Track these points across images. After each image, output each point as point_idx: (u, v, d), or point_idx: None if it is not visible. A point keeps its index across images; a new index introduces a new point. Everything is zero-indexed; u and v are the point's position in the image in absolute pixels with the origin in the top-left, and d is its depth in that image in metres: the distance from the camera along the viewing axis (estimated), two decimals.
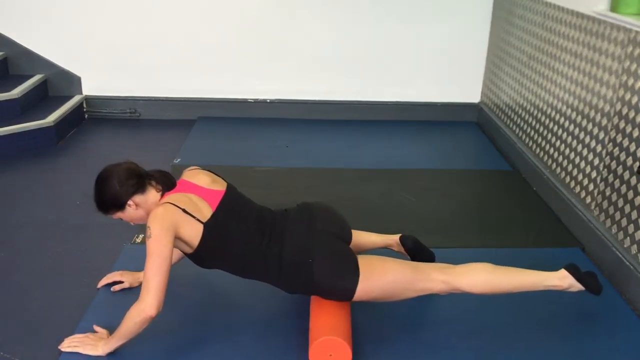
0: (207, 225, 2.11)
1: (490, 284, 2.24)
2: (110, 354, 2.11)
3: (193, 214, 2.09)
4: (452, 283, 2.21)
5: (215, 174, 2.32)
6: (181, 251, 2.21)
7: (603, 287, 2.37)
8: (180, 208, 2.08)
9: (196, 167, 2.35)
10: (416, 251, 2.54)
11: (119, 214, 2.19)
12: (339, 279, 2.15)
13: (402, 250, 2.58)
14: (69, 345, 2.15)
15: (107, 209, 2.18)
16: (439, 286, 2.21)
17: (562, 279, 2.30)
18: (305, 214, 2.29)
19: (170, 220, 2.04)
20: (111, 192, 2.13)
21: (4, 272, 2.68)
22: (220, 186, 2.25)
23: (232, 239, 2.16)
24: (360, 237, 2.56)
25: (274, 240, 2.18)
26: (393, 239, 2.60)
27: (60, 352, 2.13)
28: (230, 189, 2.27)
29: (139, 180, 2.15)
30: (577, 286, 2.31)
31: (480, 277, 2.23)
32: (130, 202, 2.14)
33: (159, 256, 2.00)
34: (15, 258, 2.79)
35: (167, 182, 2.20)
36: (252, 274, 2.24)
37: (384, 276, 2.17)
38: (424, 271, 2.22)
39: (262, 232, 2.19)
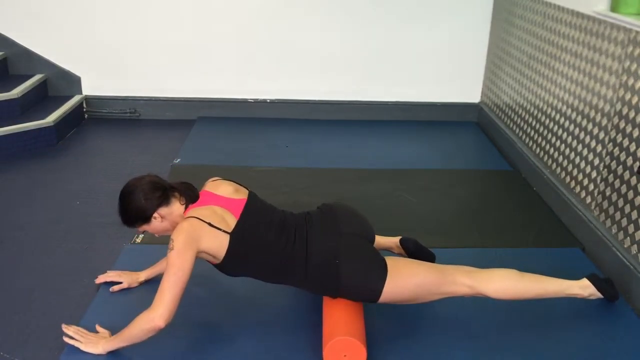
0: (232, 235, 2.12)
1: (515, 291, 2.27)
2: (110, 353, 2.11)
3: (218, 227, 2.11)
4: (478, 288, 2.22)
5: (238, 183, 2.33)
6: (208, 262, 2.22)
7: (619, 301, 2.44)
8: (205, 222, 2.09)
9: (218, 178, 2.35)
10: (416, 253, 2.55)
11: (144, 227, 2.22)
12: (366, 280, 2.15)
13: (402, 252, 2.58)
14: (73, 335, 2.16)
15: (133, 223, 2.21)
16: (463, 290, 2.22)
17: (583, 288, 2.36)
18: (328, 216, 2.30)
19: (195, 235, 2.06)
20: (137, 206, 2.15)
21: (4, 272, 2.68)
22: (242, 195, 2.26)
23: (258, 246, 2.17)
24: None
25: (299, 244, 2.18)
26: (393, 241, 2.60)
27: (60, 353, 2.14)
28: (251, 196, 2.28)
29: (163, 192, 2.17)
30: (596, 295, 2.38)
31: (506, 284, 2.25)
32: (156, 214, 2.17)
33: (179, 270, 2.02)
34: (15, 258, 2.79)
35: (191, 194, 2.22)
36: (279, 278, 2.24)
37: (410, 278, 2.17)
38: (451, 274, 2.22)
39: (286, 236, 2.19)
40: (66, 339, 2.16)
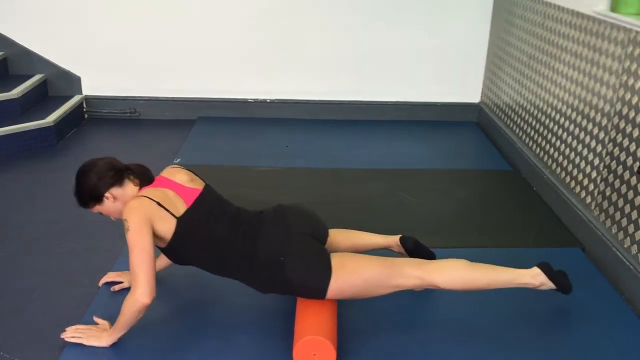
0: (180, 220, 2.13)
1: (465, 280, 2.26)
2: (115, 345, 2.14)
3: (167, 208, 2.12)
4: (427, 279, 2.22)
5: (195, 174, 2.34)
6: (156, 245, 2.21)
7: (572, 286, 2.40)
8: (154, 201, 2.11)
9: (177, 166, 2.38)
10: (416, 252, 2.55)
11: (98, 207, 2.23)
12: (311, 277, 2.16)
13: (402, 251, 2.58)
14: (72, 335, 2.18)
15: (86, 202, 2.23)
16: (413, 282, 2.22)
17: (534, 277, 2.33)
18: (279, 215, 2.31)
19: (145, 212, 2.08)
20: (89, 185, 2.18)
21: (4, 272, 2.69)
22: (197, 185, 2.27)
23: (205, 237, 2.17)
24: (360, 238, 2.57)
25: (248, 239, 2.19)
26: (393, 240, 2.60)
27: (60, 352, 2.14)
28: (207, 188, 2.29)
29: (116, 173, 2.20)
30: (548, 284, 2.34)
31: (455, 274, 2.25)
32: (108, 194, 2.18)
33: (141, 248, 2.03)
34: (15, 258, 2.79)
35: (145, 177, 2.24)
36: (224, 271, 2.25)
37: (356, 273, 2.17)
38: (399, 266, 2.23)
39: (236, 231, 2.20)
40: (68, 339, 2.18)
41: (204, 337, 2.25)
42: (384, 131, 4.54)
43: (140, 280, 2.02)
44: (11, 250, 2.85)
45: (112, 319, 2.19)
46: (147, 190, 2.18)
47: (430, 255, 2.56)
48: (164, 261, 2.51)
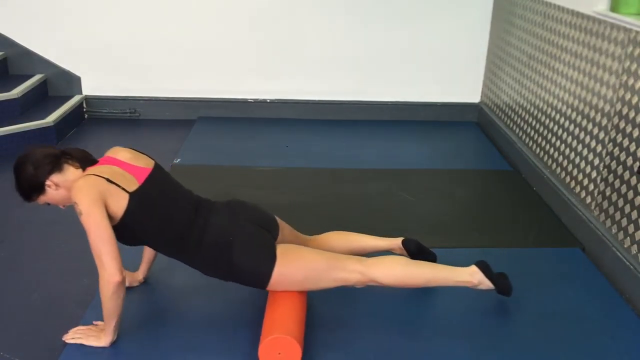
0: (132, 195, 2.09)
1: (404, 275, 2.28)
2: (115, 345, 2.15)
3: (117, 183, 2.08)
4: (367, 274, 2.23)
5: (140, 152, 2.29)
6: None
7: (513, 288, 2.41)
8: (103, 177, 2.07)
9: (119, 147, 2.30)
10: (419, 254, 2.55)
11: (42, 198, 2.18)
12: (256, 263, 2.17)
13: (405, 253, 2.58)
14: (72, 337, 2.18)
15: (29, 195, 2.17)
16: (355, 276, 2.23)
17: (471, 275, 2.34)
18: (231, 203, 2.32)
19: (95, 190, 2.03)
20: (28, 176, 2.12)
21: (4, 271, 2.68)
22: (146, 163, 2.23)
23: (157, 213, 2.15)
24: (360, 241, 2.57)
25: (198, 220, 2.19)
26: (395, 243, 2.60)
27: (60, 352, 2.14)
28: (158, 167, 2.26)
29: (54, 159, 2.14)
30: (486, 283, 2.35)
31: (395, 269, 2.27)
32: (48, 182, 2.13)
33: (98, 229, 2.00)
34: (16, 258, 2.79)
35: (86, 159, 2.19)
36: (172, 250, 2.22)
37: (299, 263, 2.19)
38: (341, 261, 2.25)
39: (187, 210, 2.20)
40: (69, 340, 2.18)
41: (203, 337, 2.25)
42: (384, 131, 4.54)
43: (104, 261, 2.00)
44: (11, 250, 2.85)
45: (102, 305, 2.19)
46: (93, 169, 2.13)
47: (432, 257, 2.56)
48: (148, 255, 2.50)
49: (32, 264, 2.74)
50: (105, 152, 2.29)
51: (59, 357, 2.12)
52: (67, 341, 2.17)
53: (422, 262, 2.37)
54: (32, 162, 2.12)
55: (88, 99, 4.66)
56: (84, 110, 4.67)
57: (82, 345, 2.16)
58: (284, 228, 2.42)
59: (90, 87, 4.65)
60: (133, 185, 2.11)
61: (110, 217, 2.07)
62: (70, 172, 2.15)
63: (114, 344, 2.16)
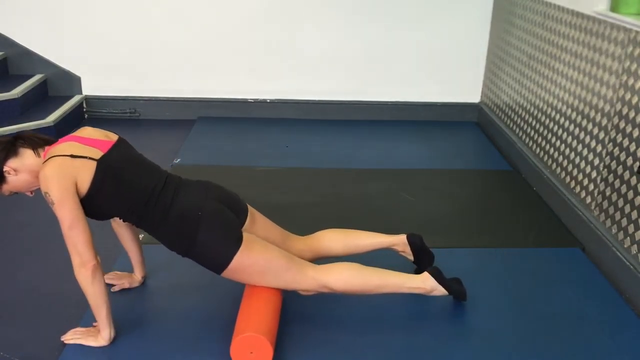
0: (99, 162, 2.06)
1: (354, 281, 2.26)
2: (115, 345, 2.15)
3: (82, 155, 2.05)
4: (320, 279, 2.23)
5: (106, 131, 2.26)
6: None
7: (467, 292, 2.41)
8: (66, 155, 2.04)
9: (86, 127, 2.28)
10: (422, 251, 2.55)
11: (6, 187, 2.16)
12: (221, 243, 2.14)
13: (408, 250, 2.57)
14: (72, 337, 2.18)
15: None
16: (308, 281, 2.23)
17: (424, 281, 2.33)
18: (202, 182, 2.30)
19: (63, 175, 2.00)
20: None
21: (4, 272, 2.69)
22: (108, 137, 2.20)
23: (124, 181, 2.11)
24: (360, 238, 2.57)
25: (166, 190, 2.17)
26: (399, 239, 2.59)
27: (60, 353, 2.14)
28: (122, 140, 2.24)
29: (6, 145, 2.11)
30: (440, 290, 2.35)
31: (345, 274, 2.26)
32: (6, 168, 2.11)
33: (71, 219, 1.99)
34: (16, 258, 2.79)
35: (42, 140, 2.16)
36: (139, 219, 2.18)
37: (261, 255, 2.18)
38: (299, 264, 2.25)
39: (154, 179, 2.17)
40: (68, 341, 2.19)
41: (204, 337, 2.25)
42: (384, 131, 4.54)
43: (80, 250, 2.00)
44: (11, 250, 2.85)
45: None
46: (52, 150, 2.08)
47: (430, 256, 2.56)
48: (133, 247, 2.49)
49: (32, 264, 2.74)
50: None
51: (59, 357, 2.12)
52: (65, 342, 2.18)
53: (374, 268, 2.32)
54: None
55: (88, 99, 4.66)
56: (84, 110, 4.67)
57: (82, 345, 2.16)
58: (258, 219, 2.38)
59: (90, 87, 4.65)
60: (98, 154, 2.08)
61: (78, 191, 2.05)
62: (28, 155, 2.12)
63: (113, 343, 2.16)
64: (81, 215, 2.01)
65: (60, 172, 2.00)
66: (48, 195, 2.00)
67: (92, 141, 2.14)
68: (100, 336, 2.15)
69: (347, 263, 2.32)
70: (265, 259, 2.19)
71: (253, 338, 2.03)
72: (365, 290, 2.30)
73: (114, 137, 2.22)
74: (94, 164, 2.05)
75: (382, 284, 2.29)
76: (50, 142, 2.16)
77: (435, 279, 2.34)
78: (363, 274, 2.28)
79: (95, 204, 2.11)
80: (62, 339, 2.19)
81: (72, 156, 2.03)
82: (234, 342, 2.05)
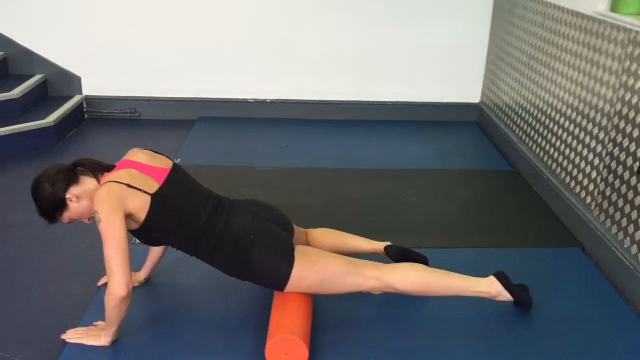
0: (154, 197, 2.10)
1: (420, 283, 2.26)
2: (115, 345, 2.16)
3: (138, 187, 2.09)
4: (384, 279, 2.22)
5: (157, 152, 2.30)
6: (128, 229, 2.17)
7: (533, 300, 2.40)
8: (123, 183, 2.07)
9: (136, 148, 2.32)
10: (402, 260, 2.52)
11: (66, 215, 2.18)
12: (276, 261, 2.16)
13: (388, 259, 2.56)
14: (72, 336, 2.19)
15: (53, 215, 2.18)
16: (371, 282, 2.22)
17: (490, 285, 2.32)
18: (250, 203, 2.33)
19: (116, 199, 2.03)
20: (47, 195, 2.13)
21: (4, 272, 2.69)
22: (164, 164, 2.24)
23: (179, 212, 2.16)
24: (348, 242, 2.57)
25: (218, 217, 2.20)
26: (379, 248, 2.59)
27: (60, 353, 2.14)
28: (176, 166, 2.27)
29: (67, 173, 2.15)
30: (505, 295, 2.34)
31: (411, 275, 2.25)
32: (68, 195, 2.13)
33: (114, 239, 2.00)
34: (15, 258, 2.79)
35: (100, 166, 2.20)
36: (194, 249, 2.22)
37: (317, 265, 2.19)
38: (358, 266, 2.24)
39: (208, 209, 2.20)
40: (70, 340, 2.19)
41: (204, 337, 2.25)
42: (384, 131, 4.54)
43: (114, 272, 2.00)
44: (11, 250, 2.85)
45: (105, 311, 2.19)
46: (111, 175, 2.12)
47: (421, 260, 2.54)
48: (156, 253, 2.51)
49: (32, 264, 2.74)
50: (125, 154, 2.30)
51: (59, 357, 2.12)
52: (66, 340, 2.18)
53: (439, 270, 2.32)
54: (47, 181, 2.13)
55: (88, 99, 4.66)
56: (84, 110, 4.67)
57: (82, 345, 2.16)
58: (295, 228, 2.43)
59: (90, 87, 4.65)
60: (153, 187, 2.12)
61: (133, 219, 2.10)
62: (89, 182, 2.16)
63: (114, 342, 2.17)
64: (123, 238, 2.02)
65: (113, 195, 2.04)
66: (97, 214, 2.03)
67: (149, 169, 2.17)
68: (102, 337, 2.16)
69: (414, 264, 2.31)
70: (322, 270, 2.19)
71: (289, 340, 2.03)
72: (429, 292, 2.29)
73: (168, 164, 2.25)
74: (148, 199, 2.09)
75: (447, 286, 2.29)
76: (109, 169, 2.19)
77: (502, 284, 2.33)
78: (428, 276, 2.28)
79: (151, 235, 2.19)
80: (62, 337, 2.19)
81: (129, 185, 2.07)
82: (269, 343, 2.04)
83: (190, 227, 2.17)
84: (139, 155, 2.24)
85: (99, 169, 2.18)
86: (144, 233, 2.18)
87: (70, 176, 2.14)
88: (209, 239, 2.18)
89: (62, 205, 2.15)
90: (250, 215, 2.24)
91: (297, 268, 2.16)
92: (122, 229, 2.02)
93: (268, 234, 2.20)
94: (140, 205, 2.08)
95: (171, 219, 2.15)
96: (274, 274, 2.17)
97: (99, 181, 2.16)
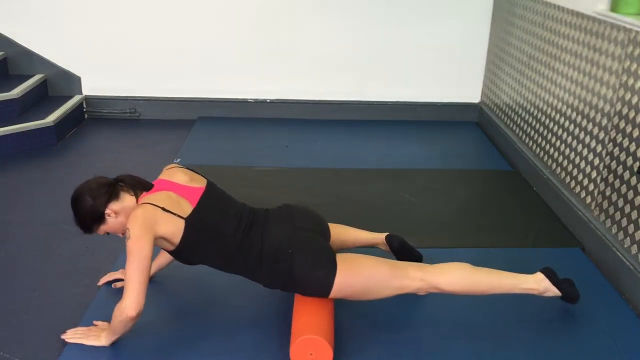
0: (188, 221, 2.12)
1: (467, 283, 2.25)
2: (115, 345, 2.16)
3: (173, 211, 2.10)
4: (430, 281, 2.21)
5: (194, 171, 2.32)
6: (164, 249, 2.23)
7: (580, 296, 2.39)
8: (159, 207, 2.09)
9: (175, 165, 2.36)
10: (402, 252, 2.54)
11: (103, 228, 2.21)
12: (318, 272, 2.15)
13: (388, 249, 2.58)
14: (72, 336, 2.19)
15: (89, 227, 2.20)
16: (417, 284, 2.21)
17: (537, 282, 2.32)
18: (285, 211, 2.32)
19: (149, 220, 2.05)
20: (87, 207, 2.15)
21: (4, 272, 2.68)
22: (199, 183, 2.26)
23: (213, 234, 2.17)
24: (347, 234, 2.57)
25: (254, 233, 2.19)
26: (380, 238, 2.60)
27: (60, 353, 2.14)
28: (210, 185, 2.28)
29: (109, 188, 2.17)
30: (553, 290, 2.33)
31: (458, 276, 2.24)
32: (108, 210, 2.16)
33: (139, 255, 2.02)
34: (15, 258, 2.79)
35: (140, 184, 2.22)
36: (233, 267, 2.23)
37: (361, 271, 2.17)
38: (402, 268, 2.22)
39: (243, 226, 2.20)
40: (70, 340, 2.19)
41: (204, 338, 2.25)
42: (384, 131, 4.54)
43: (131, 289, 2.02)
44: (11, 250, 2.85)
45: (111, 319, 2.19)
46: (149, 197, 2.15)
47: (416, 256, 2.55)
48: (166, 258, 2.51)
49: (32, 264, 2.74)
50: (163, 169, 2.32)
51: (59, 357, 2.12)
52: (66, 340, 2.18)
53: (485, 269, 2.30)
54: (89, 194, 2.15)
55: (88, 99, 4.66)
56: (84, 110, 4.67)
57: (82, 345, 2.16)
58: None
59: (90, 87, 4.65)
60: (187, 209, 2.13)
61: (168, 242, 2.13)
62: (128, 199, 2.18)
63: (114, 343, 2.17)
64: (147, 259, 2.04)
65: (148, 217, 2.06)
66: (128, 230, 2.04)
67: (185, 190, 2.19)
68: (102, 337, 2.16)
69: (459, 264, 2.29)
70: (367, 275, 2.17)
71: (314, 340, 2.03)
72: (477, 292, 2.28)
73: (202, 183, 2.26)
74: (182, 223, 2.10)
75: (495, 286, 2.28)
76: (148, 188, 2.21)
77: (550, 280, 2.32)
78: (476, 276, 2.26)
79: (186, 256, 2.21)
80: (62, 337, 2.19)
81: (164, 209, 2.09)
82: (294, 344, 2.04)
83: (226, 247, 2.18)
84: (177, 175, 2.25)
85: (138, 187, 2.20)
86: (180, 254, 2.20)
87: (112, 191, 2.17)
88: (246, 258, 2.18)
89: (100, 219, 2.17)
90: (286, 226, 2.23)
91: (340, 276, 2.14)
92: (149, 250, 2.04)
93: (306, 245, 2.19)
94: (174, 229, 2.10)
95: (206, 241, 2.16)
96: (317, 284, 2.17)
97: (137, 199, 2.18)
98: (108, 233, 2.25)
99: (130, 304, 2.01)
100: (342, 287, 2.15)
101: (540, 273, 2.34)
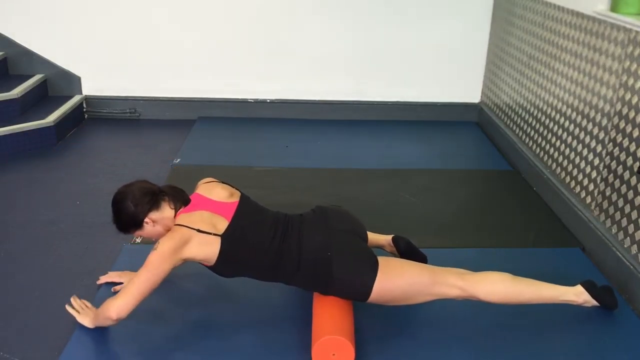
0: (223, 237, 2.13)
1: (507, 295, 2.25)
2: (115, 345, 2.19)
3: (208, 231, 2.12)
4: (469, 290, 2.20)
5: (230, 185, 2.34)
6: (203, 265, 2.24)
7: (619, 302, 2.41)
8: (194, 229, 2.11)
9: (212, 180, 2.36)
10: (408, 253, 2.54)
11: (139, 232, 2.25)
12: (357, 275, 2.15)
13: (394, 250, 2.57)
14: (73, 305, 2.27)
15: (127, 229, 2.24)
16: (455, 292, 2.20)
17: (578, 295, 2.34)
18: (320, 214, 2.32)
19: (182, 245, 2.08)
20: (128, 212, 2.19)
21: (3, 272, 2.68)
22: (234, 198, 2.27)
23: (250, 246, 2.18)
24: None
25: (291, 241, 2.19)
26: (385, 239, 2.60)
27: (60, 353, 2.14)
28: (243, 198, 2.29)
29: (152, 197, 2.20)
30: (592, 302, 2.36)
31: (498, 287, 2.24)
32: (147, 219, 2.19)
33: (155, 270, 2.06)
34: (15, 258, 2.79)
35: (180, 198, 2.25)
36: (272, 276, 2.25)
37: (402, 277, 2.17)
38: (442, 275, 2.21)
39: (279, 234, 2.20)
40: (68, 308, 2.26)
41: (205, 338, 2.25)
42: (384, 131, 4.54)
43: (127, 294, 2.05)
44: (11, 250, 2.85)
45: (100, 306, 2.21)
46: (185, 217, 2.16)
47: (422, 258, 2.55)
48: None
49: (32, 264, 2.74)
50: (200, 183, 2.34)
51: (58, 357, 2.12)
52: (67, 309, 2.25)
53: (525, 279, 2.29)
54: (131, 200, 2.18)
55: (88, 99, 4.66)
56: (84, 110, 4.66)
57: (82, 345, 2.17)
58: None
59: (90, 87, 4.65)
60: (222, 226, 2.15)
61: (205, 260, 2.15)
62: (167, 210, 2.21)
63: (113, 343, 2.18)
64: (160, 278, 2.07)
65: (182, 240, 2.09)
66: (158, 243, 2.08)
67: (219, 207, 2.20)
68: (88, 319, 2.21)
69: (499, 274, 2.27)
70: (407, 281, 2.17)
71: (336, 340, 2.03)
72: (515, 302, 2.29)
73: (236, 197, 2.27)
74: (218, 240, 2.12)
75: (534, 298, 2.28)
76: (186, 202, 2.24)
77: (589, 293, 2.34)
78: (516, 288, 2.26)
79: (226, 270, 2.22)
80: (66, 307, 2.27)
81: (199, 231, 2.11)
82: (316, 344, 2.04)
83: (264, 258, 2.19)
84: (216, 191, 2.27)
85: (179, 201, 2.23)
86: (218, 270, 2.22)
87: (154, 201, 2.20)
88: (285, 267, 2.19)
89: (139, 225, 2.21)
90: (322, 230, 2.23)
91: (380, 280, 2.14)
92: (166, 271, 2.08)
93: (344, 248, 2.19)
94: (210, 248, 2.12)
95: (243, 254, 2.17)
96: (356, 288, 2.17)
97: (176, 214, 2.21)
98: (141, 237, 2.29)
99: (118, 306, 2.05)
100: (381, 291, 2.15)
101: (580, 286, 2.36)
